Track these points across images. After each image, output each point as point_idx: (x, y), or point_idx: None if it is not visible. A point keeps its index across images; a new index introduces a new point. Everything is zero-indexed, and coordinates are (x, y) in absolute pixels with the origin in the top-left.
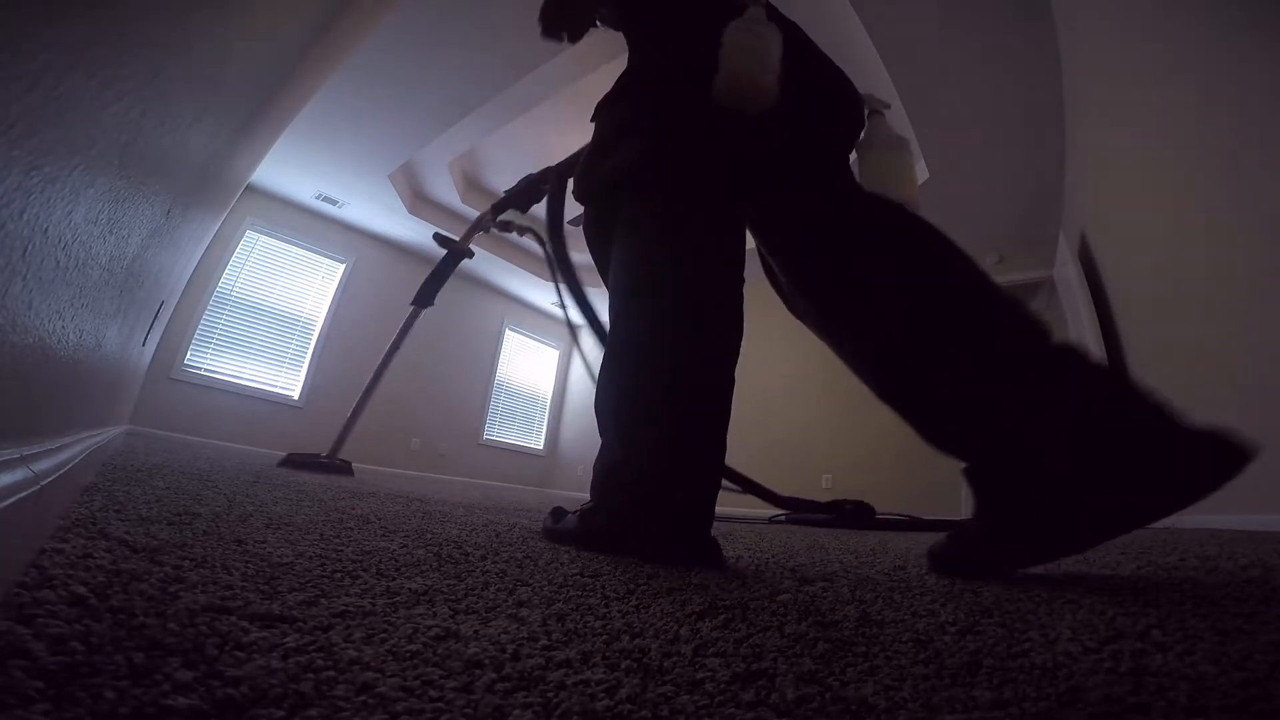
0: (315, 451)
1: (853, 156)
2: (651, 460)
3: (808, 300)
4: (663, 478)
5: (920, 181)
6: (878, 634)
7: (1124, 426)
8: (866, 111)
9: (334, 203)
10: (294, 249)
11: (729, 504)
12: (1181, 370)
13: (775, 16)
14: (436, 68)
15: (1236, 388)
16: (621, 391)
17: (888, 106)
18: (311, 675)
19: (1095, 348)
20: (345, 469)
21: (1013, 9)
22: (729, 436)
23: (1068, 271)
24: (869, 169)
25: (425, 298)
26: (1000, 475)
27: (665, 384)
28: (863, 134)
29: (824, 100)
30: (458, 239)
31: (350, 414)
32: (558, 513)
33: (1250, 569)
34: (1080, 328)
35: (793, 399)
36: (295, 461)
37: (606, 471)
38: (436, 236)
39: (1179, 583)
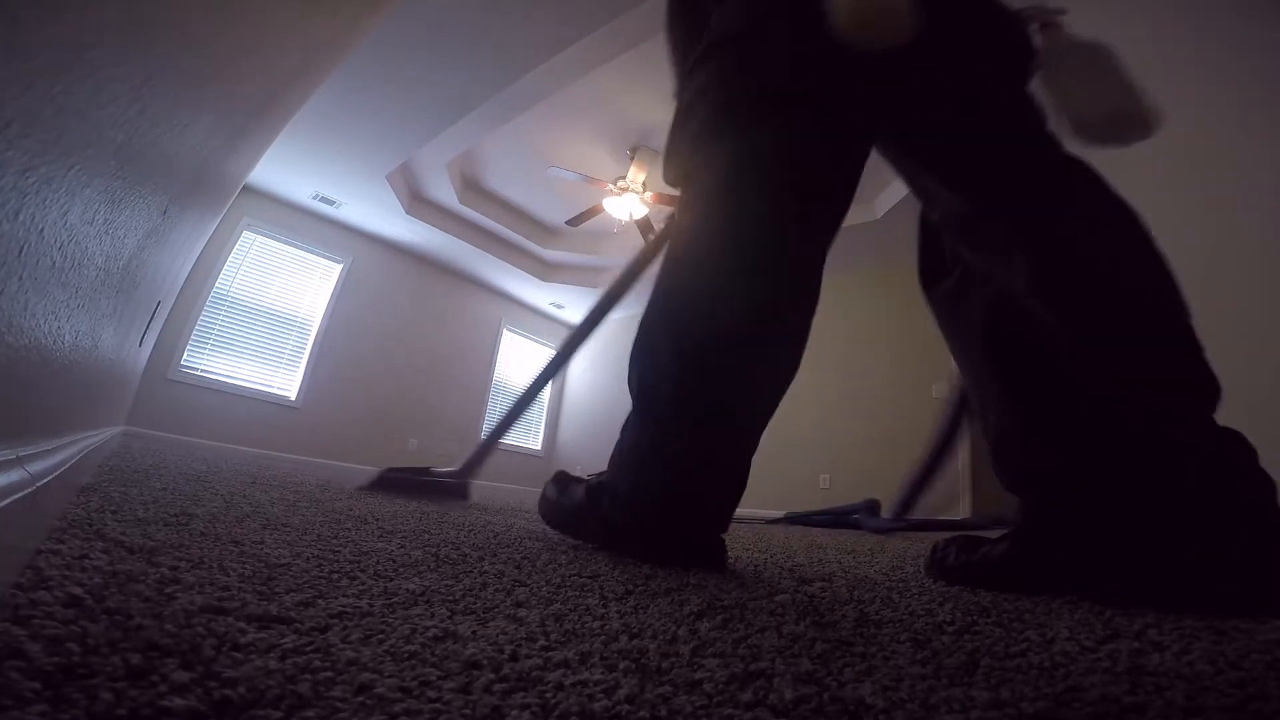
0: (423, 465)
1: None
2: (700, 443)
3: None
4: (706, 468)
5: None
6: (875, 634)
7: (1246, 524)
8: (1035, 27)
9: (331, 203)
10: (291, 249)
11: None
12: None
13: None
14: (434, 68)
15: (1235, 388)
16: (681, 349)
17: (1063, 12)
18: (309, 676)
19: None
20: (462, 490)
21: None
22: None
23: None
24: (1065, 94)
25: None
26: (1082, 517)
27: (743, 352)
28: (1040, 56)
29: (977, 24)
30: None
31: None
32: (561, 480)
33: None
34: None
35: (790, 399)
36: (393, 480)
37: (629, 449)
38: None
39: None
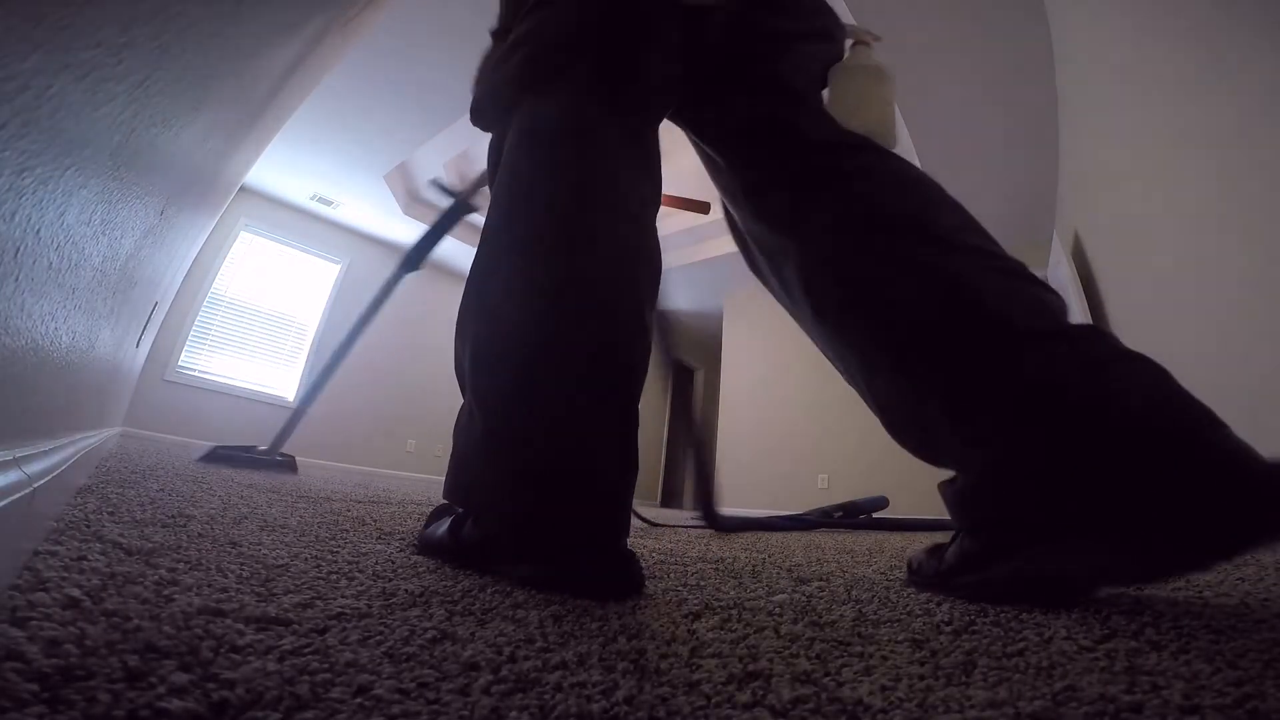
0: (250, 443)
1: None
2: (539, 431)
3: (762, 249)
4: (560, 459)
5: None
6: (874, 634)
7: (1171, 447)
8: (849, 42)
9: (329, 203)
10: (289, 250)
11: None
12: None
13: None
14: (432, 68)
15: (1232, 388)
16: (491, 328)
17: (877, 39)
18: (308, 677)
19: None
20: (287, 464)
21: (1007, 10)
22: (724, 441)
23: (1061, 271)
24: (839, 94)
25: (412, 261)
26: (992, 492)
27: (559, 318)
28: (840, 61)
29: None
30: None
31: (304, 395)
32: (437, 513)
33: (1245, 566)
34: None
35: (787, 399)
36: (221, 455)
37: (471, 449)
38: (434, 183)
39: (1173, 582)
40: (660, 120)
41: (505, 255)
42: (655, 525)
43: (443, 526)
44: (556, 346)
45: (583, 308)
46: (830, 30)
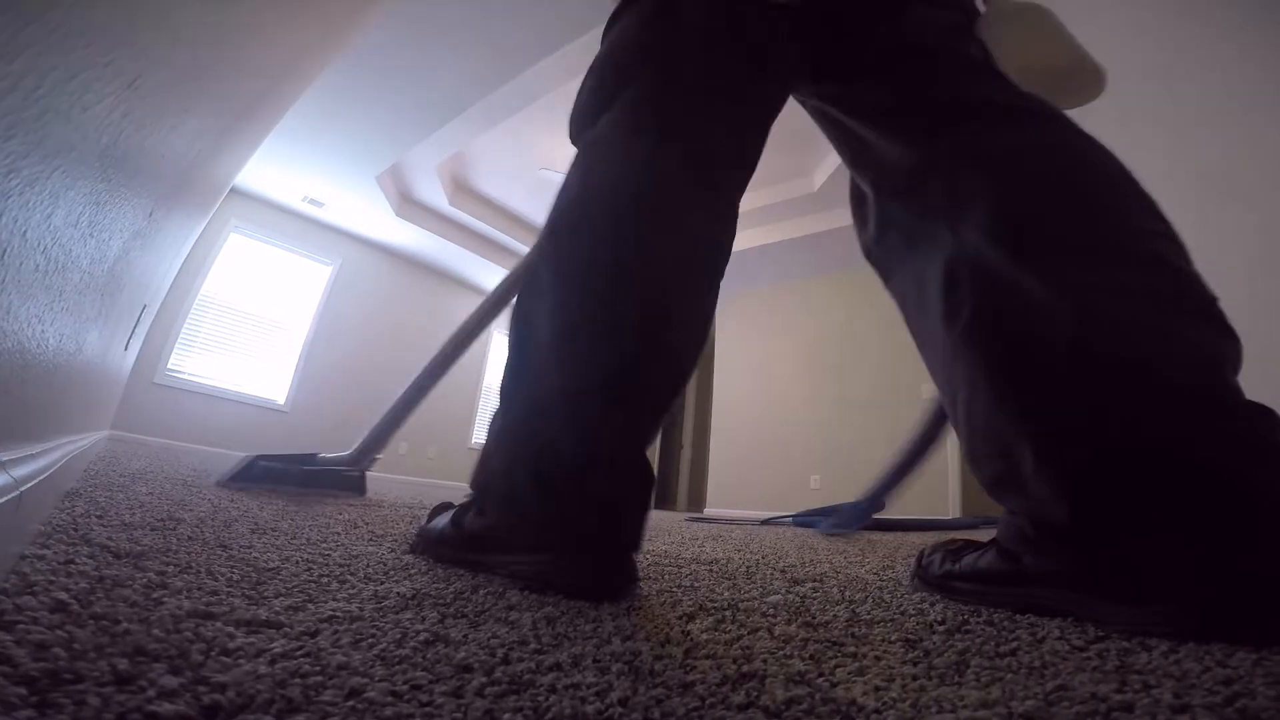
0: (310, 451)
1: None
2: (552, 431)
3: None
4: (569, 461)
5: None
6: (867, 634)
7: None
8: None
9: (320, 205)
10: (279, 251)
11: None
12: None
13: None
14: (424, 70)
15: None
16: (562, 329)
17: None
18: (299, 680)
19: None
20: (355, 484)
21: None
22: (717, 441)
23: None
24: (1006, 44)
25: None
26: (1072, 554)
27: (633, 334)
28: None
29: None
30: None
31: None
32: (438, 509)
33: None
34: None
35: (780, 400)
36: (264, 473)
37: (492, 441)
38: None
39: None
40: (749, 176)
41: (564, 292)
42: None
43: (445, 518)
44: (585, 361)
45: (634, 348)
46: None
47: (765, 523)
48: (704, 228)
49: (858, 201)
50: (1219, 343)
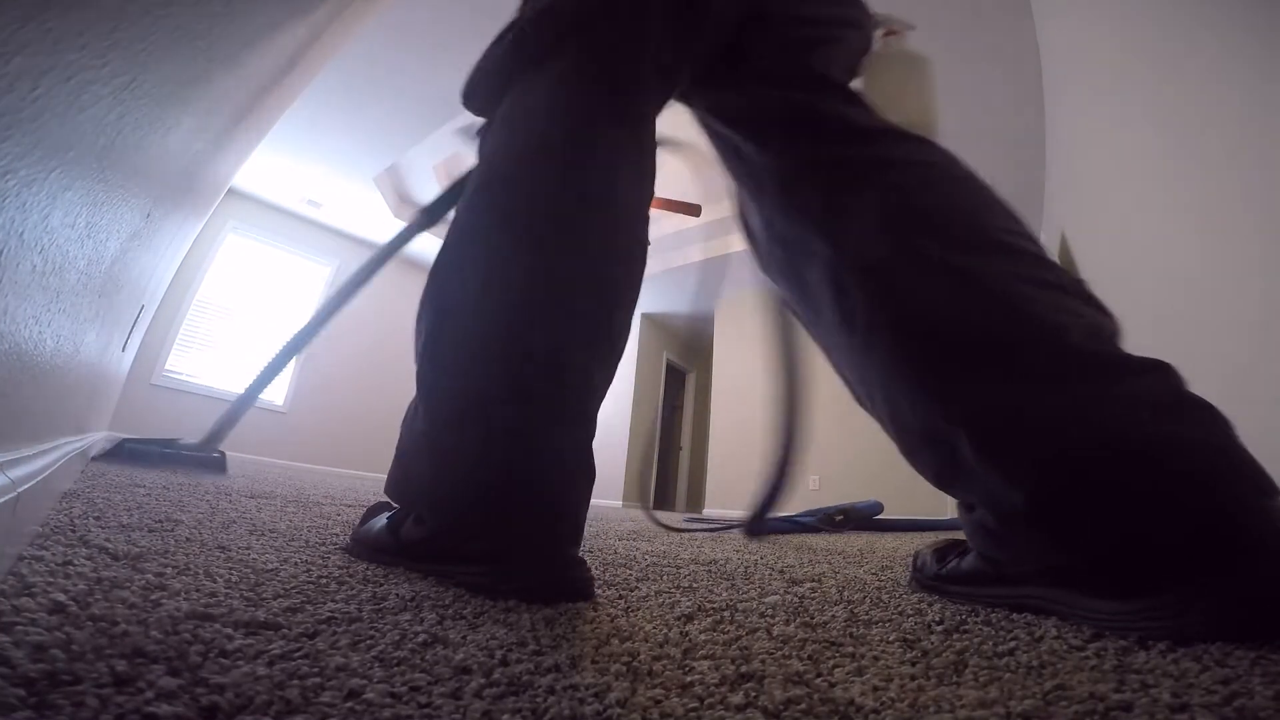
0: (172, 436)
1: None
2: (482, 433)
3: (783, 239)
4: (503, 465)
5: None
6: (865, 634)
7: (1227, 525)
8: (880, 31)
9: (318, 205)
10: (277, 252)
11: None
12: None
13: None
14: (422, 70)
15: (1220, 386)
16: (448, 320)
17: (910, 28)
18: (297, 682)
19: None
20: (214, 464)
21: (992, 7)
22: (715, 442)
23: None
24: (877, 86)
25: (434, 215)
26: (1022, 537)
27: (523, 316)
28: (871, 51)
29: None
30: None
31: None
32: (371, 511)
33: None
34: None
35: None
36: (131, 452)
37: (413, 445)
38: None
39: None
40: (660, 110)
41: (479, 243)
42: (674, 530)
43: (380, 523)
44: (512, 346)
45: (552, 309)
46: (859, 19)
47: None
48: (634, 165)
49: (742, 211)
50: (1097, 315)
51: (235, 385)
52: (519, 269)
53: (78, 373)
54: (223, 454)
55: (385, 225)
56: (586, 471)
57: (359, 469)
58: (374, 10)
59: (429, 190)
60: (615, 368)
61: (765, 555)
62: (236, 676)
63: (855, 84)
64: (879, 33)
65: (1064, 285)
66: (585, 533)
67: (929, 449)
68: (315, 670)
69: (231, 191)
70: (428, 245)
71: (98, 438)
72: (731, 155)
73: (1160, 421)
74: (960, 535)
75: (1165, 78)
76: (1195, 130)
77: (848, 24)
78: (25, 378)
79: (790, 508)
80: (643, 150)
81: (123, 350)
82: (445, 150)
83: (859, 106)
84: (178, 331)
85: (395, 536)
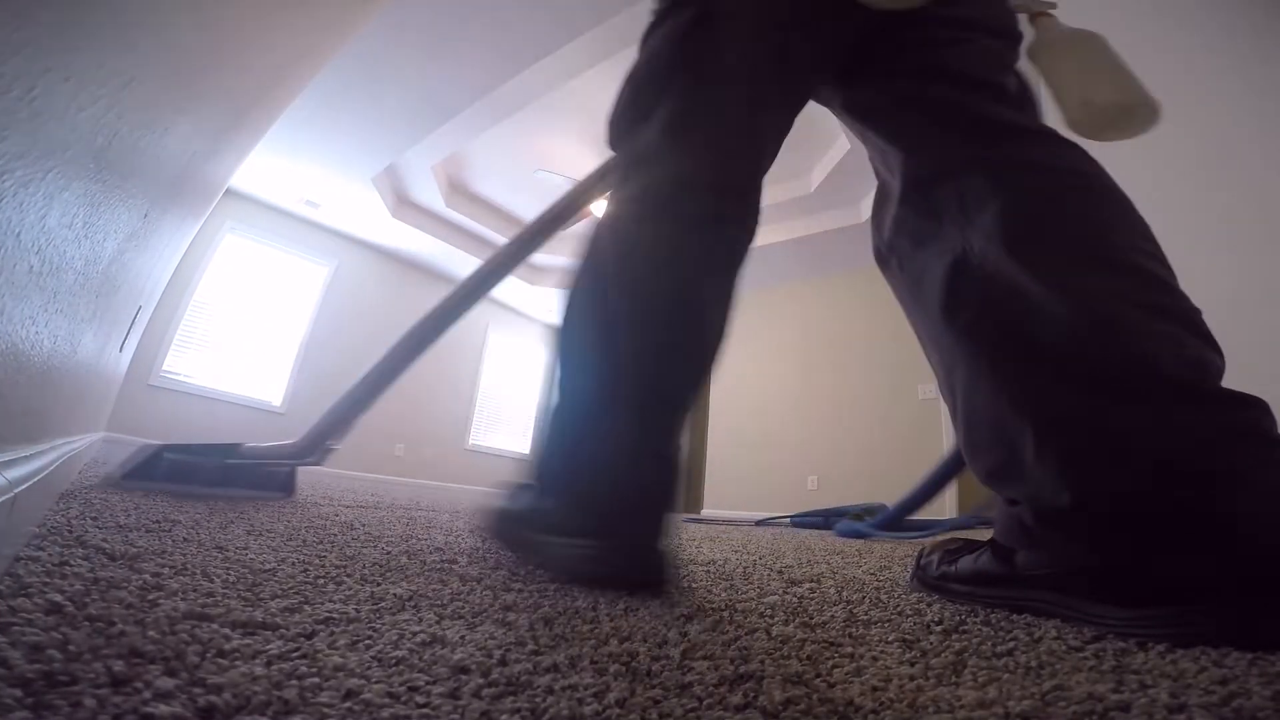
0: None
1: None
2: (597, 440)
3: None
4: (610, 469)
5: None
6: (864, 634)
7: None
8: (1025, 18)
9: (316, 206)
10: (275, 253)
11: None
12: None
13: None
14: (421, 71)
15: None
16: (582, 356)
17: (1053, 5)
18: (295, 682)
19: None
20: (286, 481)
21: None
22: (714, 442)
23: None
24: (1059, 84)
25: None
26: (1063, 544)
27: (697, 334)
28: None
29: None
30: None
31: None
32: (512, 489)
33: None
34: None
35: (777, 400)
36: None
37: (550, 439)
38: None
39: None
40: (769, 166)
41: (608, 323)
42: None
43: (524, 497)
44: (636, 391)
45: (668, 365)
46: (984, 22)
47: (760, 523)
48: (729, 241)
49: (879, 204)
50: (1204, 350)
51: (233, 386)
52: (640, 340)
53: (75, 373)
54: (293, 471)
55: (384, 225)
56: (676, 482)
57: (357, 470)
58: (373, 10)
59: (427, 191)
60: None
61: (764, 556)
62: (234, 676)
63: (1030, 78)
64: (1023, 19)
65: (1177, 313)
66: None
67: (992, 443)
68: (313, 670)
69: (229, 191)
70: (428, 245)
71: (94, 438)
72: (872, 150)
73: (1234, 453)
74: (968, 536)
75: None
76: (1193, 132)
77: (971, 26)
78: (22, 378)
79: (784, 508)
80: (749, 231)
81: (120, 351)
82: (443, 151)
83: (1005, 104)
84: (175, 332)
85: (528, 508)
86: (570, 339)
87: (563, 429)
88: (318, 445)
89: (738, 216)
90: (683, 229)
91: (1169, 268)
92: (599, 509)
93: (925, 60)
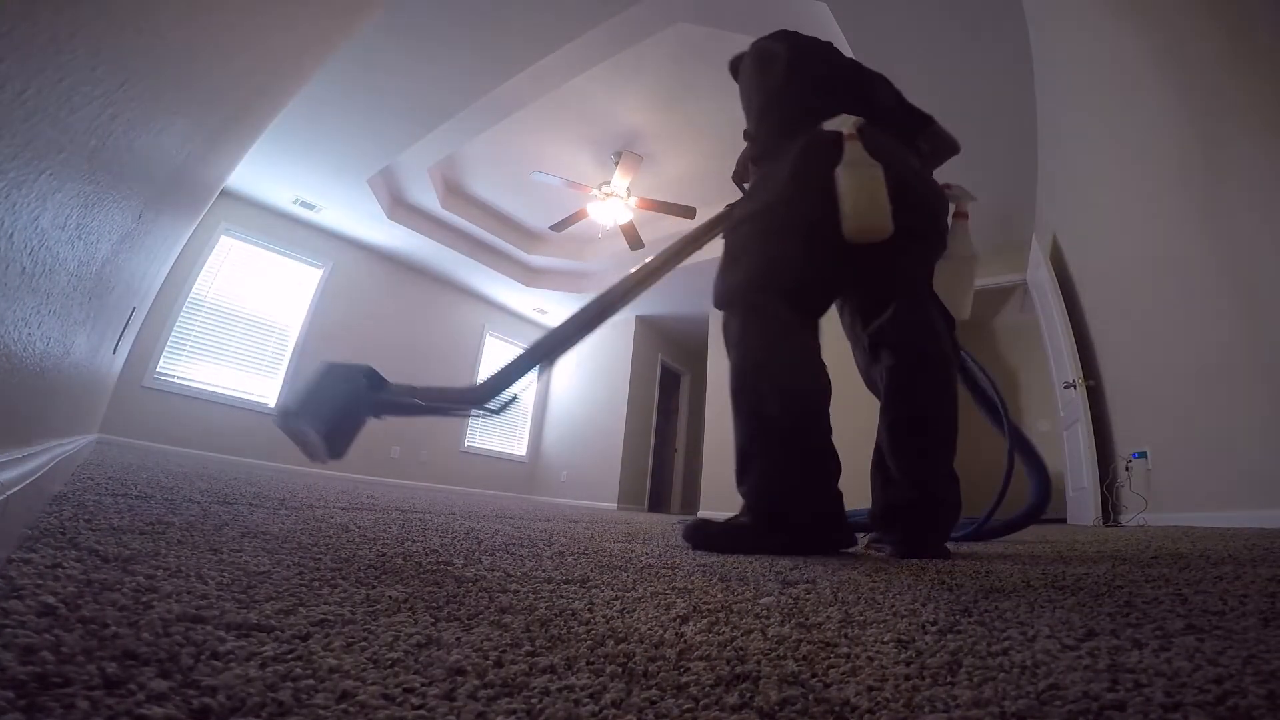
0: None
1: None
2: (781, 469)
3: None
4: (794, 485)
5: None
6: (860, 635)
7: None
8: (951, 210)
9: (311, 207)
10: (270, 254)
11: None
12: (1153, 370)
13: (870, 124)
14: (416, 73)
15: (1201, 382)
16: (773, 425)
17: (974, 199)
18: (290, 683)
19: (1066, 345)
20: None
21: (986, 15)
22: (710, 445)
23: (1040, 274)
24: (940, 277)
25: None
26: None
27: (813, 417)
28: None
29: (921, 219)
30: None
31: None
32: (710, 521)
33: (1222, 565)
34: (1053, 327)
35: None
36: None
37: (750, 470)
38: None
39: (1154, 580)
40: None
41: (755, 389)
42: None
43: (731, 518)
44: (800, 436)
45: (805, 418)
46: (943, 234)
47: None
48: (815, 353)
49: (860, 354)
50: (948, 490)
51: (228, 388)
52: (792, 410)
53: (68, 375)
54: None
55: (379, 227)
56: (832, 485)
57: (355, 471)
58: (368, 13)
59: (423, 193)
60: (829, 437)
61: (760, 557)
62: (228, 679)
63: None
64: (950, 211)
65: (944, 473)
66: (583, 534)
67: (883, 465)
68: (308, 672)
69: (224, 193)
70: (423, 246)
71: (87, 440)
72: (848, 323)
73: (938, 485)
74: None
75: (1152, 85)
76: (1190, 134)
77: (913, 236)
78: (14, 380)
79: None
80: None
81: (114, 353)
82: (440, 152)
83: (923, 308)
84: (170, 333)
85: (743, 521)
86: (745, 407)
87: (748, 470)
88: (495, 392)
89: (815, 344)
90: (794, 371)
91: (953, 444)
92: (790, 519)
93: (889, 271)
